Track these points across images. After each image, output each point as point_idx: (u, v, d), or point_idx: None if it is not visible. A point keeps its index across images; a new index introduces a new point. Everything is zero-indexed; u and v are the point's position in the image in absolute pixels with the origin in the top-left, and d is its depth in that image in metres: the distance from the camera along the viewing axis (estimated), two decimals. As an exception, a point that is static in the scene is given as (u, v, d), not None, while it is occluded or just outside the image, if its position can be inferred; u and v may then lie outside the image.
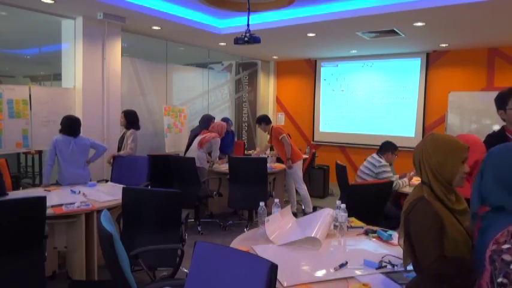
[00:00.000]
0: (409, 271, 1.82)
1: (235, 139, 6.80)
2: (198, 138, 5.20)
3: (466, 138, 2.01)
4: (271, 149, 6.13)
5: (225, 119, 6.07)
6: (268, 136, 5.74)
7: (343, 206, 2.42)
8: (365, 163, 4.23)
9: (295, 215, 3.39)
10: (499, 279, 1.05)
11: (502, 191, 1.25)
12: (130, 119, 4.88)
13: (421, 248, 1.50)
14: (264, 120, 5.62)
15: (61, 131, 3.88)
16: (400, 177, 4.20)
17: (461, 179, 1.55)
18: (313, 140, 8.39)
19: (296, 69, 8.66)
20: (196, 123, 5.95)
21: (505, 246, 1.10)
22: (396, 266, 1.93)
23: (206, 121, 5.46)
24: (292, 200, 5.71)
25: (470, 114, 6.34)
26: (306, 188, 5.56)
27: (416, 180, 4.34)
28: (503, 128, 2.50)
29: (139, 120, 5.01)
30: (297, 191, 5.64)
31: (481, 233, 1.30)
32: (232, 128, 6.42)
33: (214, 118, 5.68)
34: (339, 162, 4.63)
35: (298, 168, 5.50)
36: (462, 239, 1.49)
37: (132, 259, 2.25)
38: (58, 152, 3.81)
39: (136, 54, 6.47)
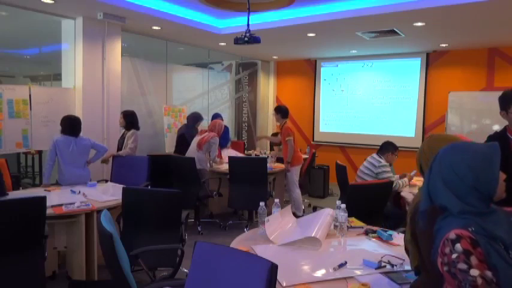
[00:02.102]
0: (408, 271, 1.83)
1: (230, 134, 6.87)
2: (197, 139, 5.16)
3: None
4: (271, 148, 6.10)
5: (216, 115, 6.10)
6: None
7: (343, 206, 2.42)
8: (365, 163, 4.23)
9: (295, 215, 3.38)
10: None
11: (445, 190, 1.26)
12: (130, 120, 4.88)
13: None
14: (282, 111, 5.43)
15: (62, 131, 3.88)
16: (400, 177, 4.20)
17: None
18: (313, 140, 8.39)
19: (296, 69, 8.66)
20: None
21: (454, 255, 1.12)
22: (395, 266, 1.93)
23: (194, 118, 5.69)
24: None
25: (470, 114, 6.34)
26: (299, 192, 5.46)
27: (417, 180, 4.35)
28: (505, 128, 2.49)
29: (139, 120, 5.01)
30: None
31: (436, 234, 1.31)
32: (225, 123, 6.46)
33: (202, 117, 5.84)
34: (339, 162, 4.64)
35: (295, 172, 5.43)
36: None
37: (132, 259, 2.25)
38: (58, 152, 3.81)
39: (136, 54, 6.48)
